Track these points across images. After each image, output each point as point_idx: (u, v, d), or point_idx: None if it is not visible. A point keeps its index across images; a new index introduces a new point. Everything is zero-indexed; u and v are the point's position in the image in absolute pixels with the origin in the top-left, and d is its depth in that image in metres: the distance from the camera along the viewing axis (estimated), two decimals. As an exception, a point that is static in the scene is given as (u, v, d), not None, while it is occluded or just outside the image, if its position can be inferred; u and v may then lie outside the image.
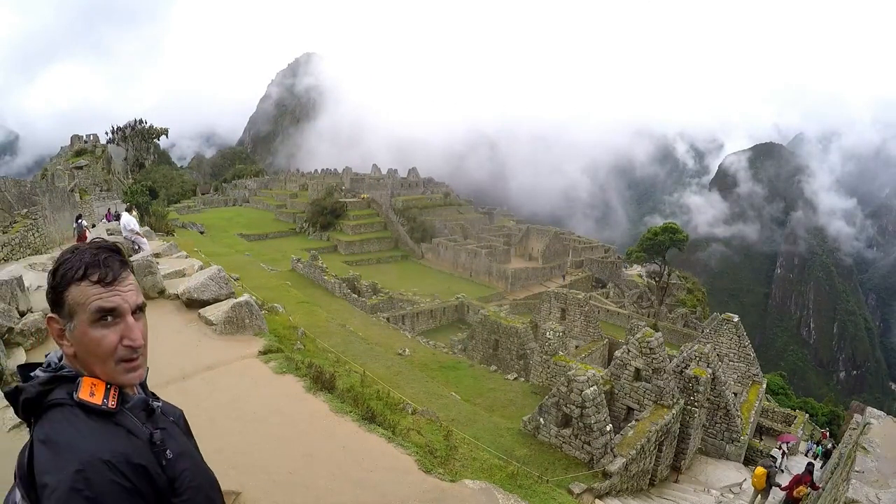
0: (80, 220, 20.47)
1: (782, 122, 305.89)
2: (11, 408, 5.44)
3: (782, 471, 18.09)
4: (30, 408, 1.55)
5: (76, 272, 1.56)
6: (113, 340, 1.57)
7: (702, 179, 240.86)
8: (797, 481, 12.22)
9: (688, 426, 16.86)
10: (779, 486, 13.18)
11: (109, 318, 1.56)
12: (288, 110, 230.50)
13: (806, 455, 23.79)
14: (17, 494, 1.51)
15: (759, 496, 13.64)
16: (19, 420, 5.11)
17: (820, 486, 11.99)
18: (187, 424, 1.88)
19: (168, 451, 1.57)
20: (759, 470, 13.26)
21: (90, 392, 1.52)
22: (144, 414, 1.64)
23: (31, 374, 1.61)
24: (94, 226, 26.86)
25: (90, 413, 1.50)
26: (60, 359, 1.63)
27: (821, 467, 18.73)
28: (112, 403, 1.53)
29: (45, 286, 1.63)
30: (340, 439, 6.66)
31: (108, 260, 1.60)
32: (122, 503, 1.36)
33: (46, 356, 1.66)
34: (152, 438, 1.56)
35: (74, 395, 1.51)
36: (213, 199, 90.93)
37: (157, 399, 1.79)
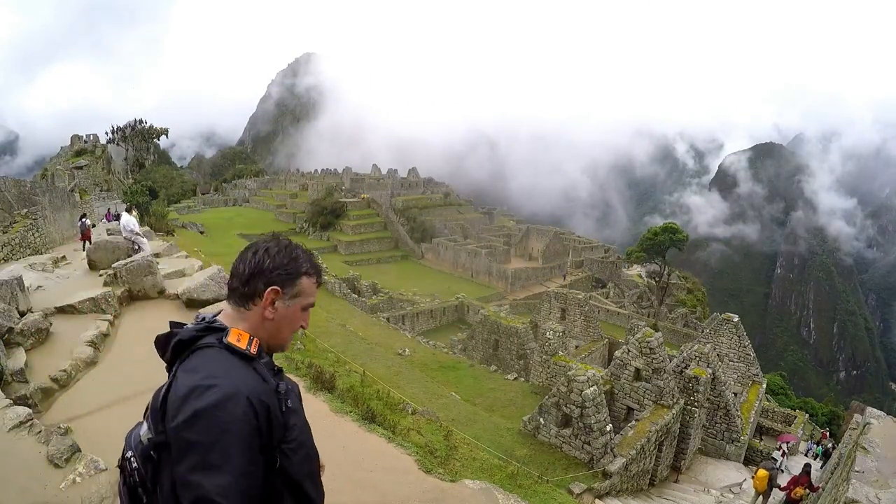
0: (83, 219, 20.51)
1: (782, 122, 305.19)
2: (13, 407, 5.40)
3: (782, 471, 18.08)
4: (179, 348, 1.84)
5: (309, 268, 2.00)
6: (301, 322, 2.03)
7: (702, 179, 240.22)
8: (795, 483, 12.20)
9: (688, 426, 16.87)
10: (779, 486, 13.17)
11: (308, 310, 2.05)
12: (288, 110, 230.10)
13: (806, 455, 23.78)
14: (144, 427, 1.81)
15: (760, 498, 13.62)
16: (19, 420, 5.13)
17: (818, 486, 11.98)
18: (300, 396, 2.14)
19: (289, 401, 1.86)
20: (761, 472, 13.17)
21: (237, 339, 1.84)
22: (271, 372, 1.92)
23: (183, 325, 1.92)
24: (93, 226, 26.84)
25: (234, 354, 1.80)
26: (213, 317, 1.94)
27: (821, 467, 18.74)
28: (253, 350, 1.84)
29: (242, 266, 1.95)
30: (340, 439, 6.67)
31: (320, 269, 2.09)
32: (245, 435, 1.62)
33: (199, 314, 1.99)
34: (278, 388, 1.85)
35: (224, 339, 1.82)
36: (213, 199, 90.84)
37: (281, 370, 2.12)
